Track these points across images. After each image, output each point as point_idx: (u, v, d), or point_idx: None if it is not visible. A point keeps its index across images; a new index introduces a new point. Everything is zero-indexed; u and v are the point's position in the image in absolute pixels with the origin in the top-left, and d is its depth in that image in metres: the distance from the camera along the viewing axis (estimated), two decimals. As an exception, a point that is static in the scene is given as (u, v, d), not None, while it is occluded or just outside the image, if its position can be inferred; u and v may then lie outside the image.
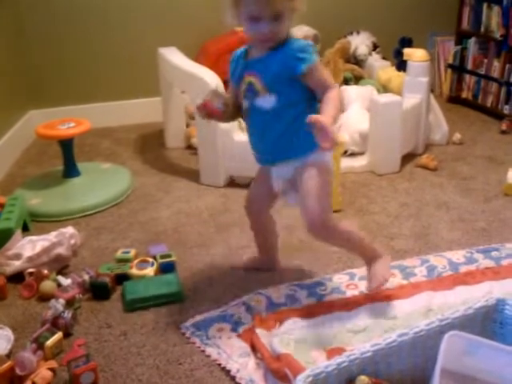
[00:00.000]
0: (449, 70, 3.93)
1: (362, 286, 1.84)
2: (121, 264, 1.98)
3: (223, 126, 2.58)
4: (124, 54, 3.51)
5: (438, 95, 3.99)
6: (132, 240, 2.22)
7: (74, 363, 1.46)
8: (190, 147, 3.13)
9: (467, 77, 3.81)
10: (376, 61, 3.46)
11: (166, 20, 3.51)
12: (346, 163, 2.66)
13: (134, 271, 1.92)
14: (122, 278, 1.90)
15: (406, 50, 3.03)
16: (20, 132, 3.20)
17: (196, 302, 1.82)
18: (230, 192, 2.63)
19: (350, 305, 1.74)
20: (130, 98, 3.60)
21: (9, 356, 1.55)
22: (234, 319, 1.71)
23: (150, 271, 1.92)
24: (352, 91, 3.05)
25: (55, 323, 1.64)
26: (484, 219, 2.32)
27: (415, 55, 2.93)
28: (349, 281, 1.89)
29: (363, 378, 1.16)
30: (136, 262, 1.97)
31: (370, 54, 3.48)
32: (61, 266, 2.00)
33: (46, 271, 1.89)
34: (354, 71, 3.31)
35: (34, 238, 2.01)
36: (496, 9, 3.49)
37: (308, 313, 1.70)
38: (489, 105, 3.64)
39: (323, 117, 1.43)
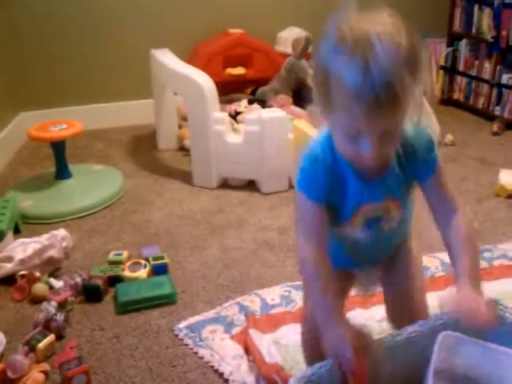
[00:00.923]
0: (440, 72, 3.95)
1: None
2: (113, 266, 1.97)
3: (216, 127, 2.58)
4: (116, 55, 3.50)
5: (430, 97, 4.00)
6: (124, 242, 2.21)
7: (66, 366, 1.46)
8: (183, 149, 3.12)
9: (459, 78, 3.83)
10: (368, 62, 3.46)
11: (158, 21, 3.50)
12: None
13: (127, 273, 1.91)
14: (114, 280, 1.89)
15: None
16: (12, 134, 3.18)
17: (189, 303, 1.81)
18: (222, 194, 2.62)
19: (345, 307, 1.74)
20: (122, 99, 3.59)
21: (0, 359, 1.54)
22: (227, 321, 1.70)
23: (142, 273, 1.92)
24: (344, 93, 3.05)
25: (47, 326, 1.63)
26: (476, 220, 2.33)
27: (407, 57, 2.94)
28: (342, 282, 1.88)
29: (356, 379, 1.15)
30: (128, 264, 1.97)
31: (362, 55, 3.48)
32: (53, 268, 1.99)
33: (37, 273, 1.89)
34: (347, 73, 3.31)
35: (25, 240, 2.00)
36: (487, 11, 3.51)
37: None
38: (480, 106, 3.66)
39: (470, 296, 1.03)
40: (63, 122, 2.59)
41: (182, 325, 1.70)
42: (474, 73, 3.68)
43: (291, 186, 2.65)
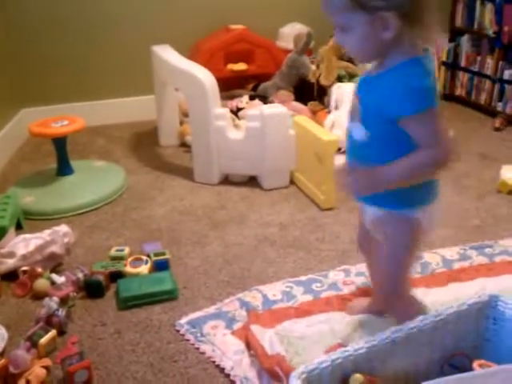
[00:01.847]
0: (442, 68, 3.94)
1: (359, 282, 1.85)
2: (115, 262, 1.97)
3: (217, 123, 2.58)
4: (117, 51, 3.50)
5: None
6: (126, 238, 2.21)
7: (67, 361, 1.46)
8: (184, 145, 3.12)
9: (461, 74, 3.82)
10: (370, 58, 3.46)
11: (159, 17, 3.50)
12: (340, 161, 2.65)
13: (128, 269, 1.92)
14: (115, 276, 1.89)
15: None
16: (13, 130, 3.18)
17: (190, 299, 1.81)
18: (224, 190, 2.63)
19: (347, 302, 1.74)
20: (123, 96, 3.59)
21: (2, 354, 1.55)
22: (228, 316, 1.71)
23: (144, 269, 1.92)
24: (346, 89, 3.05)
25: (49, 321, 1.64)
26: (477, 216, 2.33)
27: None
28: (345, 277, 1.89)
29: (358, 376, 1.15)
30: (130, 259, 1.97)
31: (363, 51, 3.48)
32: (54, 264, 2.00)
33: (39, 269, 1.89)
34: (348, 69, 3.31)
35: (27, 236, 2.00)
36: (489, 6, 3.50)
37: (305, 311, 1.70)
38: (482, 102, 3.65)
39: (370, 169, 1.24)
40: (65, 118, 2.59)
41: (184, 320, 1.70)
42: (476, 68, 3.68)
43: (292, 182, 2.65)
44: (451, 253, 2.02)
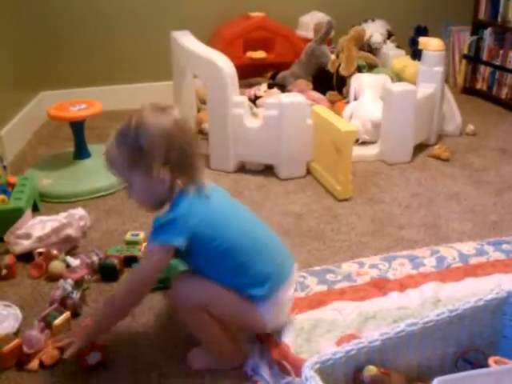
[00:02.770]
0: (463, 61, 3.89)
1: (373, 274, 1.84)
2: (130, 246, 1.97)
3: (235, 110, 2.57)
4: (137, 37, 3.50)
5: (452, 86, 3.95)
6: (141, 223, 2.22)
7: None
8: (201, 132, 3.11)
9: (482, 68, 3.77)
10: (390, 49, 3.42)
11: (179, 3, 3.49)
12: (358, 152, 2.65)
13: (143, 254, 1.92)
14: (130, 261, 1.90)
15: (422, 39, 3.00)
16: (32, 113, 3.20)
17: (204, 286, 1.81)
18: (240, 178, 2.62)
19: (360, 293, 1.74)
20: (141, 81, 3.59)
21: (17, 334, 1.56)
22: (241, 304, 1.70)
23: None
24: (365, 79, 3.02)
25: (63, 303, 1.65)
26: (495, 211, 2.30)
27: (431, 44, 2.90)
28: (358, 269, 1.88)
29: (371, 367, 1.15)
30: (145, 244, 1.97)
31: (384, 42, 3.44)
32: (70, 246, 2.01)
33: (55, 251, 1.90)
34: (368, 59, 3.28)
35: (43, 218, 2.01)
36: (514, -1, 3.45)
37: (319, 301, 1.69)
38: (503, 96, 3.60)
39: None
40: (83, 102, 2.59)
41: (197, 306, 1.70)
42: (498, 62, 3.62)
43: (309, 172, 2.63)
44: (468, 248, 2.00)
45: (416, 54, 3.19)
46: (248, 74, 3.38)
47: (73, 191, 2.42)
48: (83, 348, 1.43)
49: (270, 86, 3.22)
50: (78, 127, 2.56)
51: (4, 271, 1.84)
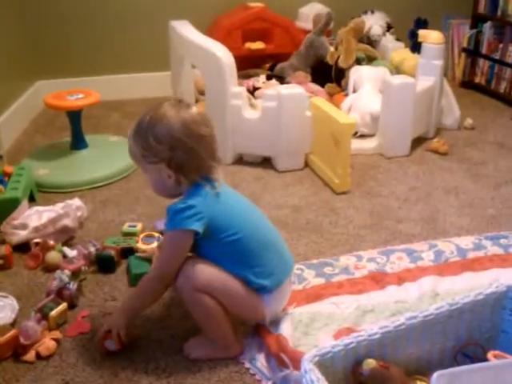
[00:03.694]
0: (462, 54, 3.88)
1: (371, 267, 1.84)
2: (127, 238, 1.97)
3: (233, 101, 2.55)
4: (135, 26, 3.47)
5: (451, 79, 3.94)
6: (138, 214, 2.21)
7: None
8: (199, 123, 3.09)
9: (481, 61, 3.76)
10: (389, 42, 3.41)
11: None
12: (356, 145, 2.63)
13: (140, 245, 1.91)
14: (127, 252, 1.89)
15: (422, 32, 2.98)
16: (28, 101, 3.18)
17: (201, 278, 1.80)
18: (237, 170, 2.61)
19: (358, 286, 1.73)
20: (139, 71, 3.57)
21: (13, 325, 1.55)
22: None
23: (155, 246, 1.91)
24: (364, 72, 3.01)
25: (60, 294, 1.64)
26: (493, 206, 2.30)
27: (430, 37, 2.88)
28: (356, 262, 1.87)
29: (370, 360, 1.15)
30: (142, 236, 1.96)
31: (383, 34, 3.42)
32: (67, 237, 2.00)
33: (51, 242, 1.89)
34: (367, 51, 3.27)
35: (40, 208, 2.00)
36: (514, -7, 3.43)
37: (317, 294, 1.69)
38: (502, 90, 3.59)
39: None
40: (80, 91, 2.57)
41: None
42: (497, 56, 3.61)
43: (307, 165, 2.63)
44: (466, 242, 2.00)
45: (415, 47, 3.18)
46: (246, 65, 3.36)
47: (70, 181, 2.40)
48: (106, 332, 1.45)
49: (269, 78, 3.20)
50: (75, 117, 2.54)
51: (0, 261, 1.83)
